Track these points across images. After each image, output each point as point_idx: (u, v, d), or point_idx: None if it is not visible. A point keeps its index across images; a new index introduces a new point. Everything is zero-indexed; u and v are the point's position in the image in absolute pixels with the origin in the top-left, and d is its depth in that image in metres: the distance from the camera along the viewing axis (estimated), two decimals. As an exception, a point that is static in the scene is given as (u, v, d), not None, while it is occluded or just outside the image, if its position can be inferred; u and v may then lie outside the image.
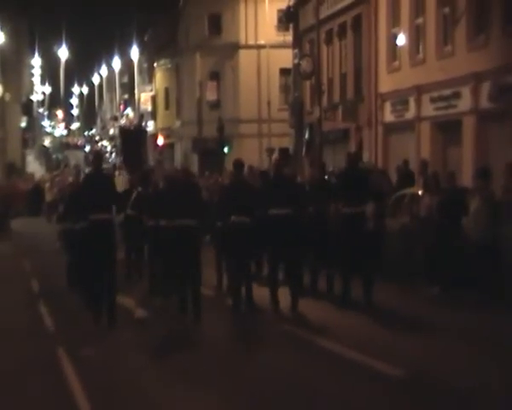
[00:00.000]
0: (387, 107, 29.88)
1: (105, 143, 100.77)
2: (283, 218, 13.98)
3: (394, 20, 29.37)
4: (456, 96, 24.84)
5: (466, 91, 24.28)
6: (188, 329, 13.27)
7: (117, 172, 34.67)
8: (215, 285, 16.82)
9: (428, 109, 26.61)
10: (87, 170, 18.04)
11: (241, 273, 14.24)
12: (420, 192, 17.12)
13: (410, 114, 27.95)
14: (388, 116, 29.86)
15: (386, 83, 29.82)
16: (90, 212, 13.53)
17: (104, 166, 21.38)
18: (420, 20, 27.26)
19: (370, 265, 14.64)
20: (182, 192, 14.00)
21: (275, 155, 43.01)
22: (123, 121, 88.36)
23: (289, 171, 17.30)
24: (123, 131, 49.85)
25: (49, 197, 40.33)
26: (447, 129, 26.11)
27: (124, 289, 16.49)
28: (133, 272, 18.16)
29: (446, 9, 25.40)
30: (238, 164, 14.85)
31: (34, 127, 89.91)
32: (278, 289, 14.28)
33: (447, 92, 25.34)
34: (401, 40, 28.43)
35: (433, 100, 26.26)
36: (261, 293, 14.74)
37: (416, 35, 27.61)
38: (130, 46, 75.55)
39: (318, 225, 15.40)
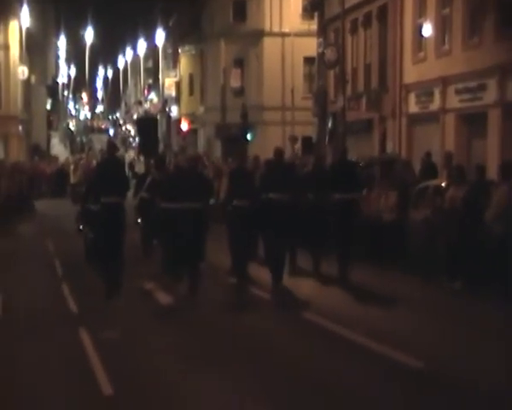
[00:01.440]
0: (412, 98, 29.80)
1: (129, 126, 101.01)
2: (281, 202, 15.17)
3: (420, 11, 29.25)
4: (482, 88, 24.73)
5: (492, 84, 24.17)
6: (207, 313, 13.39)
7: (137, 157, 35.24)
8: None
9: (453, 101, 26.52)
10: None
11: (241, 252, 15.42)
12: (443, 184, 17.08)
13: (435, 105, 27.86)
14: (413, 107, 29.78)
15: (411, 74, 29.73)
16: (103, 195, 14.85)
17: (121, 151, 22.66)
18: (446, 11, 27.13)
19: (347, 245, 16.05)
20: (188, 178, 15.07)
21: (297, 145, 43.18)
22: (147, 106, 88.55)
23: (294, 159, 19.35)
24: (139, 120, 51.00)
25: (73, 179, 40.69)
26: (472, 121, 26.01)
27: (143, 273, 16.83)
28: (147, 252, 18.97)
29: (474, 0, 25.26)
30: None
31: (59, 110, 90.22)
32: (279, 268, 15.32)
33: (473, 84, 25.24)
34: (427, 31, 28.32)
35: (458, 92, 26.17)
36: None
37: (443, 26, 27.48)
38: (155, 31, 75.58)
39: (317, 210, 16.58)
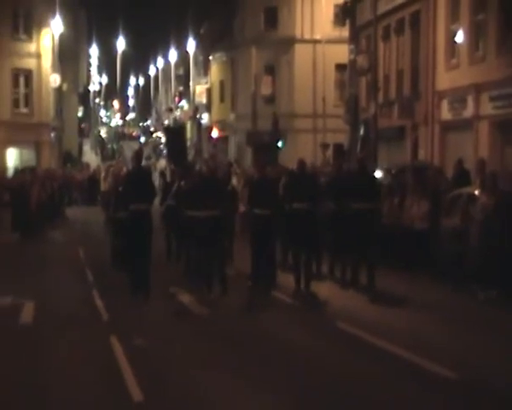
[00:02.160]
0: (444, 105, 29.56)
1: (159, 134, 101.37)
2: (303, 211, 15.79)
3: (453, 17, 29.02)
4: (516, 95, 24.49)
5: (526, 90, 23.94)
6: (239, 322, 13.32)
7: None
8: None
9: (487, 108, 26.26)
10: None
11: (260, 259, 15.86)
12: (476, 192, 16.87)
13: (468, 112, 27.61)
14: (445, 114, 29.54)
15: (444, 80, 29.50)
16: (131, 203, 15.80)
17: (152, 159, 24.18)
18: (480, 17, 26.88)
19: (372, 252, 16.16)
20: (208, 186, 15.99)
21: (328, 152, 43.03)
22: (178, 113, 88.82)
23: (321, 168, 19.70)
24: (167, 128, 51.58)
25: (103, 187, 40.76)
26: (506, 128, 25.73)
27: (169, 279, 16.85)
28: (172, 258, 20.02)
29: (509, 5, 24.98)
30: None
31: (90, 117, 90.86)
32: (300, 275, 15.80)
33: (507, 91, 24.96)
34: (460, 37, 28.10)
35: (492, 98, 25.91)
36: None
37: (476, 32, 27.25)
38: (186, 39, 75.85)
39: (337, 219, 17.05)
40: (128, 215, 16.11)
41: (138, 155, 17.92)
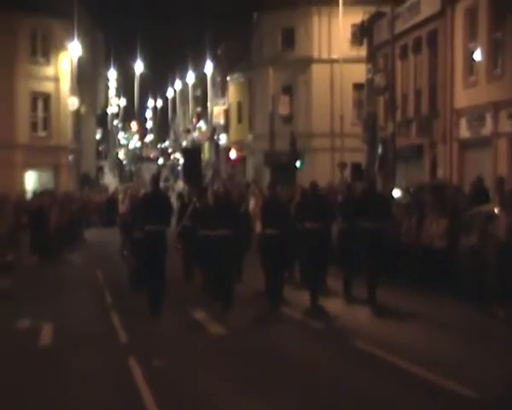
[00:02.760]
0: (463, 123, 29.44)
1: (177, 155, 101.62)
2: (315, 231, 16.51)
3: (471, 34, 28.94)
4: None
5: (545, 108, 23.80)
6: (255, 341, 13.25)
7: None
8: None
9: (505, 126, 26.12)
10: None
11: (271, 278, 16.45)
12: (496, 210, 16.73)
13: (487, 130, 27.48)
14: (464, 132, 29.41)
15: (462, 98, 29.39)
16: (147, 224, 16.46)
17: (171, 181, 25.57)
18: (498, 34, 26.79)
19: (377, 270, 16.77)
20: (220, 207, 16.99)
21: (346, 171, 42.92)
22: (195, 134, 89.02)
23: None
24: (184, 150, 52.03)
25: (121, 209, 40.73)
26: (525, 146, 25.61)
27: (196, 300, 16.87)
28: (187, 277, 20.15)
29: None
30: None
31: (109, 139, 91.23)
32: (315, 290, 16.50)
33: (525, 109, 24.87)
34: (478, 55, 28.02)
35: (510, 116, 25.76)
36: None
37: (494, 50, 27.14)
38: (203, 60, 76.16)
39: (347, 237, 17.52)
40: (144, 236, 16.74)
41: (155, 178, 18.67)
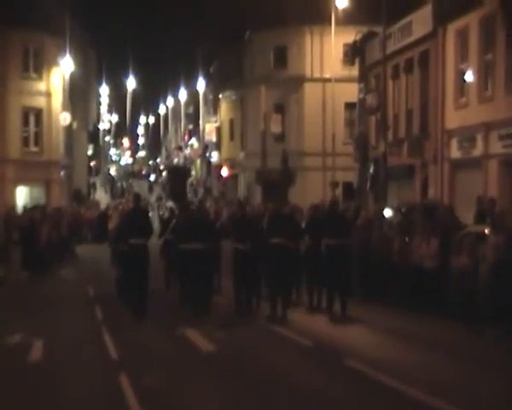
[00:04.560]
0: (454, 143, 29.59)
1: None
2: (282, 246, 17.76)
3: (462, 56, 29.14)
4: (525, 133, 24.50)
5: (535, 129, 23.93)
6: (246, 360, 13.25)
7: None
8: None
9: (496, 147, 26.27)
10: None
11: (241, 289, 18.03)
12: (486, 231, 16.80)
13: (478, 151, 27.63)
14: (455, 153, 29.56)
15: (454, 119, 29.56)
16: (130, 238, 18.12)
17: (163, 200, 27.85)
18: (489, 56, 26.98)
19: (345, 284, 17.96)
20: (196, 222, 18.46)
21: (338, 191, 42.98)
22: (187, 151, 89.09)
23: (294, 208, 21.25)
24: (169, 169, 52.68)
25: (111, 225, 40.67)
26: (515, 167, 25.72)
27: (188, 320, 16.88)
28: (169, 286, 21.70)
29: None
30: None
31: (100, 155, 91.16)
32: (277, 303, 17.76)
33: (516, 130, 25.00)
34: (469, 76, 28.20)
35: (501, 137, 25.92)
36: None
37: (485, 71, 27.33)
38: (195, 77, 76.33)
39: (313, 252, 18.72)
40: (128, 249, 18.34)
41: (137, 196, 20.38)
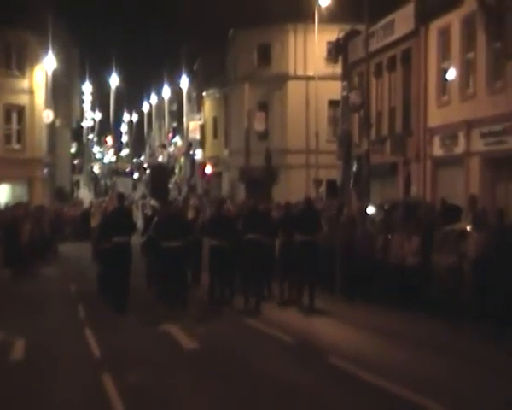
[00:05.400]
0: (436, 141, 29.70)
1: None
2: (257, 242, 18.70)
3: (444, 55, 29.25)
4: (507, 131, 24.58)
5: (517, 127, 24.04)
6: (228, 357, 13.28)
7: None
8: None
9: (478, 145, 26.39)
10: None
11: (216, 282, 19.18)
12: (468, 228, 16.90)
13: (460, 148, 27.74)
14: (437, 150, 29.67)
15: (436, 117, 29.67)
16: (114, 236, 18.58)
17: (147, 198, 26.41)
18: (470, 55, 27.09)
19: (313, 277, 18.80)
20: (173, 220, 18.99)
21: (321, 188, 43.04)
22: (171, 149, 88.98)
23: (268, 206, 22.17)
24: (151, 167, 52.68)
25: (93, 223, 40.57)
26: (497, 165, 25.83)
27: (170, 317, 16.88)
28: (151, 283, 21.62)
29: (497, 44, 25.22)
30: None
31: (84, 153, 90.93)
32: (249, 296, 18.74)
33: (497, 128, 25.10)
34: (451, 74, 28.31)
35: (483, 135, 26.04)
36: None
37: (467, 70, 27.44)
38: (179, 75, 76.25)
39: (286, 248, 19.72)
40: (111, 246, 18.74)
41: (121, 196, 21.01)
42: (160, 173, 36.01)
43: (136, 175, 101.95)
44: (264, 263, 19.00)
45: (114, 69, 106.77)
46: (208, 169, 60.55)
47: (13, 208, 32.13)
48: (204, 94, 62.87)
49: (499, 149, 25.24)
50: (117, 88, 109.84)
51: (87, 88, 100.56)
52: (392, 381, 11.19)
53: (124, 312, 17.98)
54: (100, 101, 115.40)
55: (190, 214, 23.72)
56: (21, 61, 48.90)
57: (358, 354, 13.31)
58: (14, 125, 49.06)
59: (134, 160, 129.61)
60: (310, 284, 18.70)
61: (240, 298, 19.13)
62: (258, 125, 50.68)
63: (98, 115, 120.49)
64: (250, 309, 18.44)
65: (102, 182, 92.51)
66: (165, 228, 19.02)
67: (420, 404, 10.13)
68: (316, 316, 17.74)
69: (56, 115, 55.22)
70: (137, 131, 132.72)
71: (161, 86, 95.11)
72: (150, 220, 22.69)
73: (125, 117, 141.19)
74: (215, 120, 60.45)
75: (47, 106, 51.07)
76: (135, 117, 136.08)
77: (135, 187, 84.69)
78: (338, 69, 41.32)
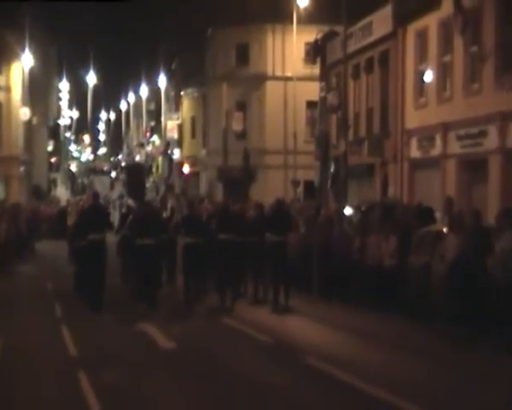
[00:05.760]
0: (413, 143, 29.88)
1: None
2: (230, 242, 19.12)
3: (422, 57, 29.44)
4: (483, 134, 24.80)
5: (492, 130, 24.23)
6: (205, 356, 13.30)
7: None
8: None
9: (454, 147, 26.58)
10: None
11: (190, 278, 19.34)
12: (445, 230, 17.00)
13: (436, 150, 27.92)
14: (414, 152, 29.84)
15: (413, 119, 29.84)
16: (89, 233, 18.78)
17: (125, 198, 27.91)
18: (447, 58, 27.29)
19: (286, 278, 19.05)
20: (146, 219, 19.28)
21: (299, 189, 43.12)
22: (149, 148, 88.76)
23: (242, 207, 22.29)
24: (127, 166, 52.68)
25: (69, 221, 40.40)
26: (473, 167, 26.03)
27: (146, 316, 16.88)
28: (127, 282, 21.48)
29: (474, 48, 25.42)
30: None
31: (61, 151, 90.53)
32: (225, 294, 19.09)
33: (474, 130, 25.30)
34: (428, 77, 28.48)
35: (459, 137, 26.23)
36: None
37: (444, 72, 27.64)
38: (157, 74, 76.07)
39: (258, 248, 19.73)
40: (86, 244, 18.91)
41: (95, 194, 21.47)
42: (137, 173, 35.99)
43: (113, 174, 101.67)
44: (236, 263, 19.27)
45: (92, 67, 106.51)
46: (186, 169, 60.48)
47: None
48: (182, 93, 62.79)
49: (475, 152, 25.45)
50: (94, 86, 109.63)
51: (64, 86, 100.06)
52: (369, 382, 11.23)
53: (100, 310, 18.02)
54: (77, 99, 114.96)
55: (166, 214, 23.73)
56: (-2, 58, 48.69)
57: (335, 355, 13.36)
58: (-9, 123, 48.82)
59: (112, 158, 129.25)
60: (284, 283, 18.88)
61: (214, 296, 19.32)
62: (236, 125, 50.70)
63: (75, 113, 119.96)
64: (226, 308, 18.64)
65: (80, 180, 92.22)
66: (139, 226, 19.21)
67: (397, 405, 10.19)
68: (293, 316, 17.82)
69: (33, 113, 55.01)
70: (115, 129, 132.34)
71: (139, 85, 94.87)
72: (125, 219, 22.74)
73: (103, 115, 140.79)
74: (193, 120, 60.40)
75: (24, 103, 50.87)
76: (112, 115, 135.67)
77: (112, 186, 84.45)
78: (316, 70, 41.44)
